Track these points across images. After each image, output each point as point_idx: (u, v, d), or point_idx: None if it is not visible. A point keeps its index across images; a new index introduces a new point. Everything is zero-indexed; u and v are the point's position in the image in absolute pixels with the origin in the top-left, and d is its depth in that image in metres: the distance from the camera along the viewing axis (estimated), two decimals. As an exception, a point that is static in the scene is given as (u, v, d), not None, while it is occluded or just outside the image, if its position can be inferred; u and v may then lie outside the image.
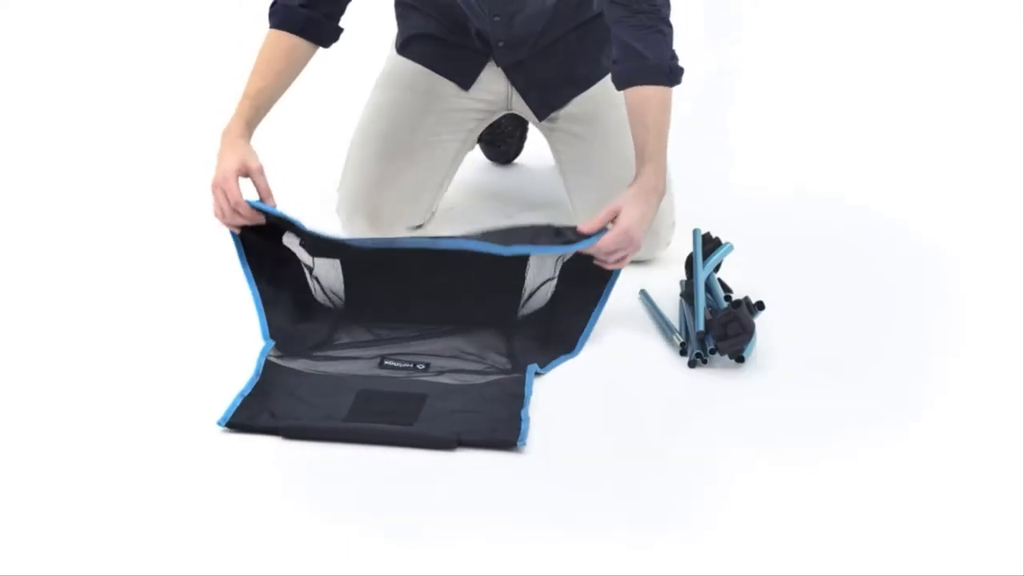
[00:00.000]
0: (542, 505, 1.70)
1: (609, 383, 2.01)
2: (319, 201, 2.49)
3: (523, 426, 1.83)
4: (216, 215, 2.04)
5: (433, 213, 2.35)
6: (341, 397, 1.89)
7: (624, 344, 2.10)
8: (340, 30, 2.12)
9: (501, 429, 1.82)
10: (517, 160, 2.83)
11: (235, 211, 2.00)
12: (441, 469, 1.77)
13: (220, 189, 2.01)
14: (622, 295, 2.23)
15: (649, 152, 2.01)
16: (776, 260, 2.41)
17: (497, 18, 2.19)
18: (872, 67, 3.60)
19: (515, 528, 1.66)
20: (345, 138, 2.34)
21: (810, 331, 2.16)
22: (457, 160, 2.38)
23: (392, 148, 2.27)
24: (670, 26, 2.05)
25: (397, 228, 2.31)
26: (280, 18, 2.08)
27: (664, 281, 2.26)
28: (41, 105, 3.26)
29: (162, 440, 1.83)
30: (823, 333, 2.16)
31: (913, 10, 3.95)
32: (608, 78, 2.24)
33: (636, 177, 2.03)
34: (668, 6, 2.05)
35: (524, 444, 1.81)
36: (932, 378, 2.05)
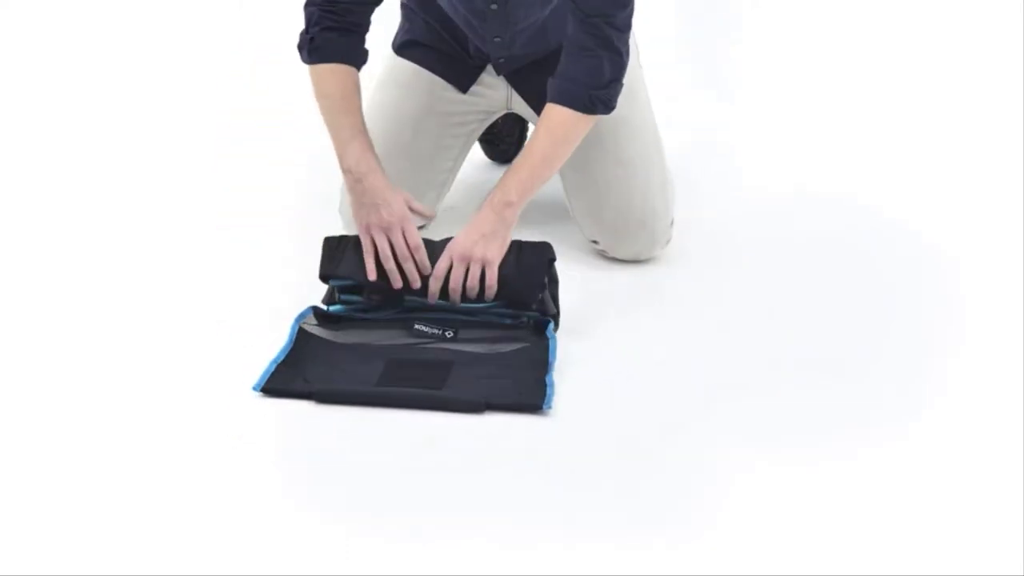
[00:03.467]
0: (542, 505, 1.71)
1: (609, 383, 2.01)
2: (322, 201, 2.49)
3: (548, 390, 1.89)
4: (382, 256, 2.04)
5: (435, 214, 2.35)
6: (371, 364, 1.95)
7: (624, 344, 2.10)
8: (367, 56, 2.15)
9: (527, 393, 1.88)
10: None
11: (411, 254, 2.02)
12: (441, 469, 1.78)
13: (398, 229, 2.03)
14: (620, 295, 2.23)
15: (523, 171, 2.06)
16: (776, 260, 2.40)
17: (498, 39, 2.19)
18: (872, 67, 3.59)
19: (515, 528, 1.66)
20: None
21: (810, 331, 2.16)
22: (459, 160, 2.38)
23: (394, 149, 2.27)
24: (618, 53, 2.06)
25: None
26: (328, 54, 2.09)
27: (663, 279, 2.25)
28: (41, 105, 3.26)
29: (187, 412, 1.89)
30: (823, 333, 2.16)
31: (913, 10, 3.95)
32: None
33: (496, 188, 2.08)
34: (624, 32, 2.06)
35: (550, 408, 1.86)
36: (932, 378, 2.05)
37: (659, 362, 2.05)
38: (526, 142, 2.14)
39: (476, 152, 2.77)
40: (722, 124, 3.15)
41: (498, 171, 2.75)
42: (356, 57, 2.13)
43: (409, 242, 2.03)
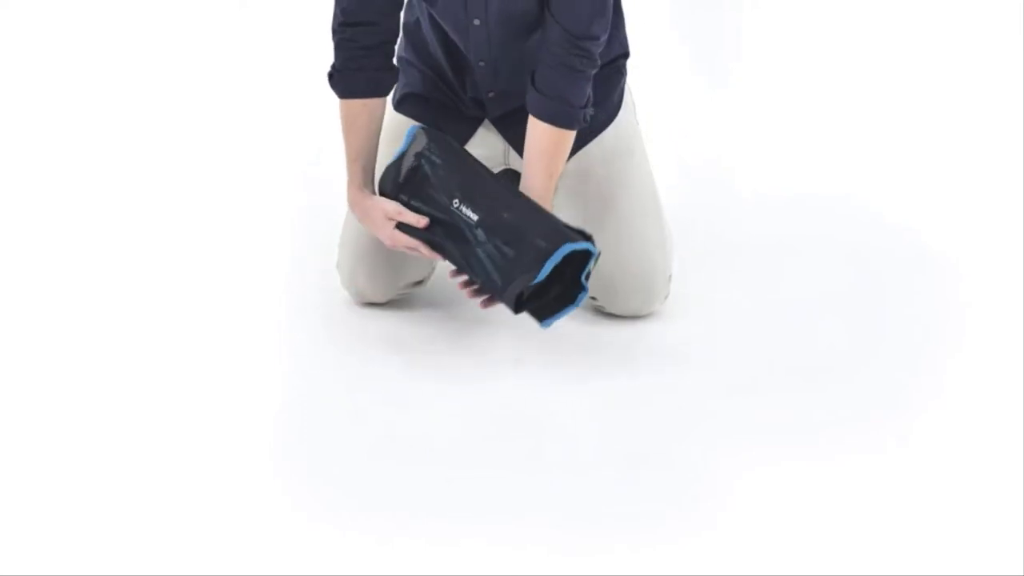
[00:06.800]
0: (542, 506, 1.71)
1: (609, 384, 2.01)
2: (320, 255, 2.38)
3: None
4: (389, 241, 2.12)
5: (434, 268, 2.33)
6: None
7: (623, 346, 2.10)
8: (396, 73, 2.16)
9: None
10: None
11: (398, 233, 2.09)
12: (441, 468, 1.78)
13: (386, 235, 2.11)
14: (619, 350, 2.16)
15: (545, 197, 2.12)
16: (775, 262, 2.40)
17: (483, 63, 2.18)
18: (872, 70, 3.59)
19: (515, 528, 1.67)
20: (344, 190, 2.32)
21: (810, 333, 2.16)
22: None
23: None
24: (597, 67, 2.10)
25: (398, 283, 2.28)
26: (343, 88, 2.14)
27: (663, 336, 2.19)
28: (42, 105, 3.24)
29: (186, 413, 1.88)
30: (823, 335, 2.16)
31: (912, 11, 3.94)
32: (603, 135, 2.23)
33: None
34: (599, 47, 2.09)
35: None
36: (932, 379, 2.05)
37: (657, 362, 2.04)
38: (539, 163, 2.13)
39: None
40: (721, 126, 3.15)
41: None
42: (375, 88, 2.14)
43: (399, 244, 2.08)
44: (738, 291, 2.27)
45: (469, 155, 2.13)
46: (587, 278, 2.00)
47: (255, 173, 2.82)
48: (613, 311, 2.20)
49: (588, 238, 1.99)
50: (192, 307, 2.23)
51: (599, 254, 2.00)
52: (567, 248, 1.96)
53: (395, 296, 2.22)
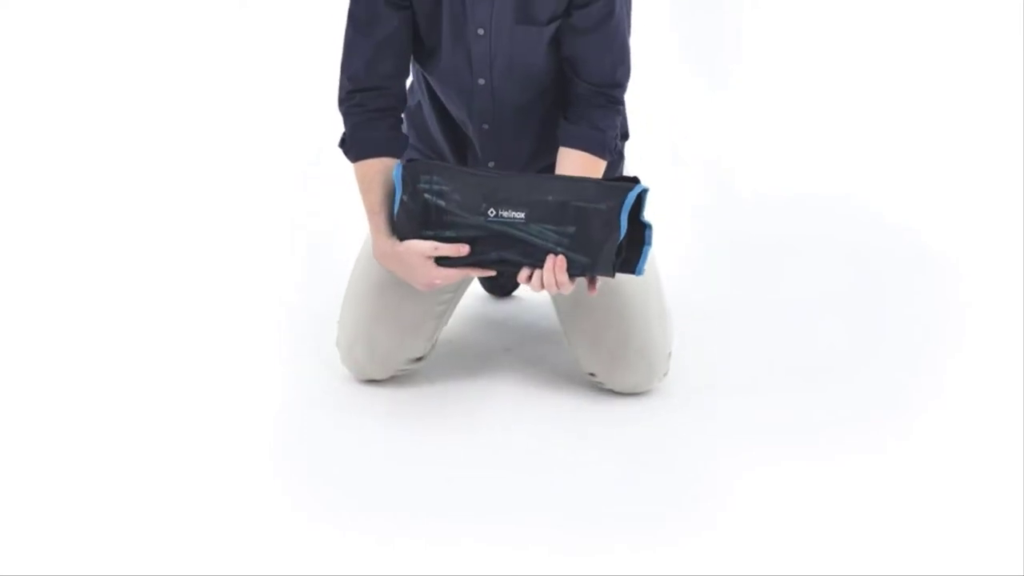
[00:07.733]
0: (543, 506, 1.71)
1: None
2: (317, 335, 2.31)
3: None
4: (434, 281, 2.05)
5: (434, 345, 2.30)
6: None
7: (622, 454, 2.03)
8: (407, 139, 2.14)
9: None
10: (516, 292, 2.61)
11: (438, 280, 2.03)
12: (443, 468, 1.78)
13: (425, 283, 2.05)
14: (617, 425, 2.10)
15: None
16: (775, 262, 2.41)
17: (486, 126, 2.18)
18: (872, 71, 3.60)
19: (516, 528, 1.67)
20: (343, 267, 2.30)
21: (810, 333, 2.16)
22: (459, 292, 2.32)
23: (392, 280, 2.23)
24: (624, 105, 2.13)
25: (397, 360, 2.25)
26: (357, 151, 2.09)
27: (661, 412, 2.12)
28: (40, 107, 3.25)
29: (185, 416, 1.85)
30: (823, 335, 2.16)
31: (912, 11, 3.95)
32: None
33: None
34: (624, 91, 2.11)
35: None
36: (932, 379, 2.05)
37: (657, 406, 2.02)
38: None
39: (475, 285, 2.61)
40: (722, 126, 3.15)
41: (497, 304, 2.53)
42: (388, 147, 2.10)
43: (450, 278, 2.03)
44: (738, 291, 2.27)
45: (463, 167, 2.06)
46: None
47: (255, 177, 2.82)
48: (612, 387, 2.15)
49: (633, 180, 1.95)
50: (192, 311, 2.23)
51: (649, 189, 1.95)
52: (631, 197, 1.92)
53: (395, 373, 2.20)
